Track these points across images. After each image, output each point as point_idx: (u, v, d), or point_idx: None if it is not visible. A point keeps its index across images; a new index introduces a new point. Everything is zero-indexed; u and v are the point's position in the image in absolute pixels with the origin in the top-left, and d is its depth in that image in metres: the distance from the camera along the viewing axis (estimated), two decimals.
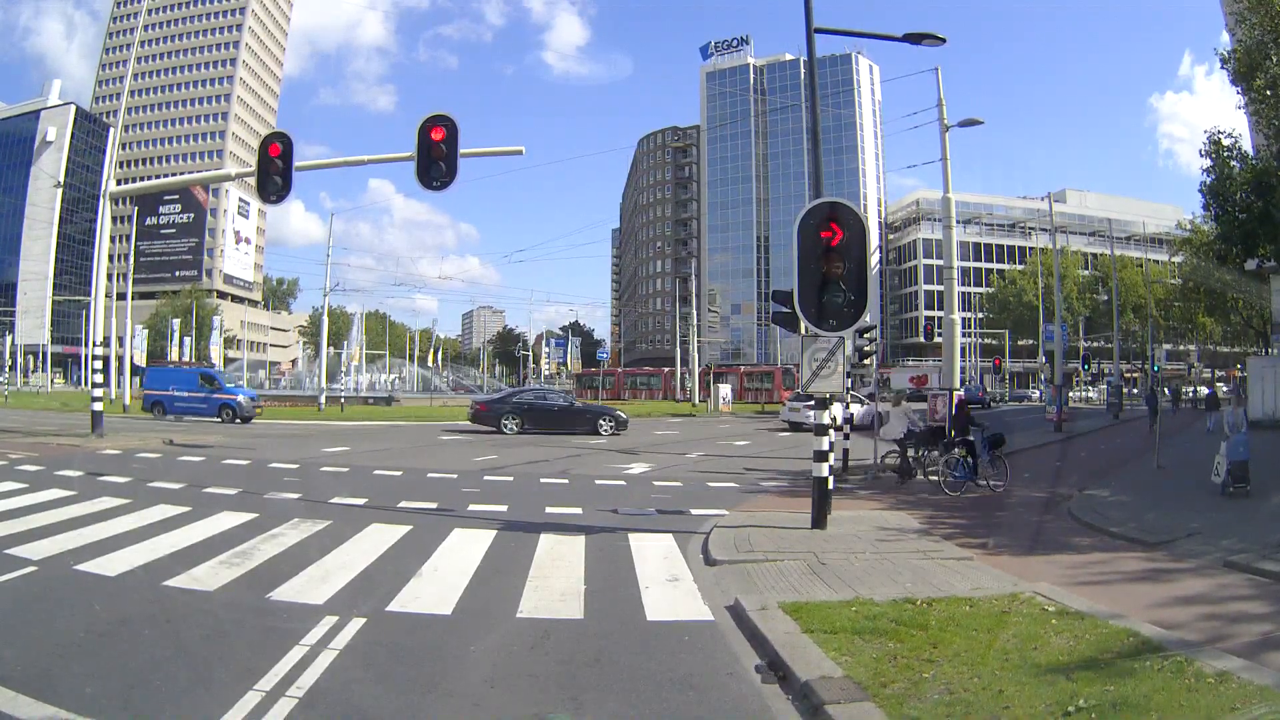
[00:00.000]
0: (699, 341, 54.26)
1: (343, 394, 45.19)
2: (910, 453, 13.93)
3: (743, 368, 69.54)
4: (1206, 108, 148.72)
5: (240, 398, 29.95)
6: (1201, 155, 23.11)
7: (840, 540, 8.51)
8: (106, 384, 31.84)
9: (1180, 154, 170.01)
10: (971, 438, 13.01)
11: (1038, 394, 65.62)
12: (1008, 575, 7.06)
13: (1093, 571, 7.64)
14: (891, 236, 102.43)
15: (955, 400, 14.59)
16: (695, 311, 52.66)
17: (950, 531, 9.54)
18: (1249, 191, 22.31)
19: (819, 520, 9.10)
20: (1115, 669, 4.61)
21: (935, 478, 13.25)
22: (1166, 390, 48.24)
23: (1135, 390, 63.06)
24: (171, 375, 33.24)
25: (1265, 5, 19.44)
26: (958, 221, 26.57)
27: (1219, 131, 23.13)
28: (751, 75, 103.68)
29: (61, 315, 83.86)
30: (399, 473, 14.37)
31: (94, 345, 21.36)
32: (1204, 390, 54.36)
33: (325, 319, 44.19)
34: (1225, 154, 22.93)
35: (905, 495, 12.91)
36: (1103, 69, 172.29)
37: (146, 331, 61.49)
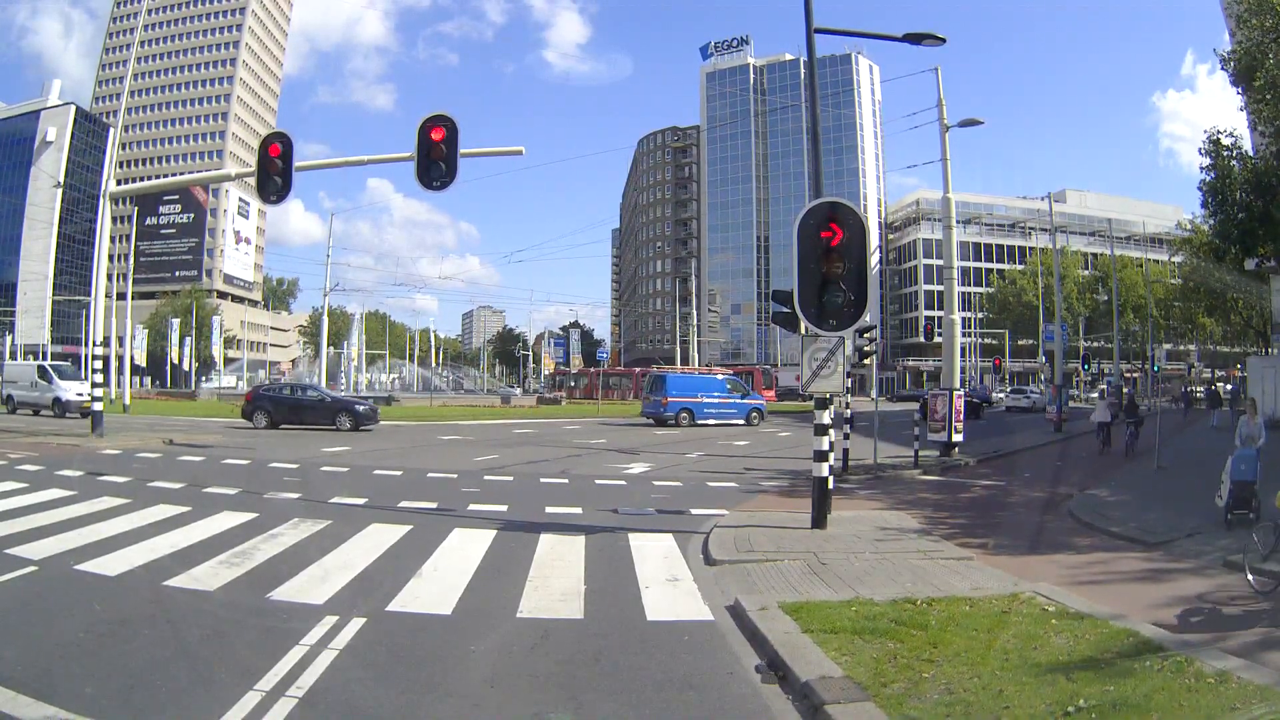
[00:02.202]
0: (699, 341, 54.30)
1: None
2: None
3: (718, 368, 69.86)
4: (1208, 106, 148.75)
5: (763, 402, 31.83)
6: (1201, 154, 23.16)
7: (840, 540, 8.52)
8: (106, 384, 31.83)
9: (1181, 153, 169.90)
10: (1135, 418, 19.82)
11: (1036, 394, 65.54)
12: (1008, 575, 7.06)
13: (1093, 571, 7.65)
14: (891, 236, 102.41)
15: (1130, 395, 21.40)
16: (695, 311, 52.74)
17: (950, 531, 9.55)
18: (1249, 191, 22.35)
19: (819, 520, 9.10)
20: (1115, 669, 4.61)
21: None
22: (1173, 391, 48.27)
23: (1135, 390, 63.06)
24: (697, 382, 32.51)
25: (1265, 8, 19.48)
26: (958, 221, 26.59)
27: (1219, 131, 23.17)
28: (751, 75, 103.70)
29: (61, 315, 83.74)
30: (399, 473, 14.37)
31: (94, 345, 21.34)
32: (1226, 387, 54.20)
33: (325, 319, 44.15)
34: (1225, 153, 22.97)
35: (905, 495, 12.93)
36: (1104, 68, 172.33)
37: (146, 331, 61.50)
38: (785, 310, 10.22)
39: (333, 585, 6.52)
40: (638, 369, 70.49)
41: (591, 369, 69.00)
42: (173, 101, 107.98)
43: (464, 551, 7.90)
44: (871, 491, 13.36)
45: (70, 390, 28.80)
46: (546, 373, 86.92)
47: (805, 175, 73.47)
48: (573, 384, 60.93)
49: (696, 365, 52.78)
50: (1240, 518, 9.40)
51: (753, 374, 60.39)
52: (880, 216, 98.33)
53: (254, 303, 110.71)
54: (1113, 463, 17.78)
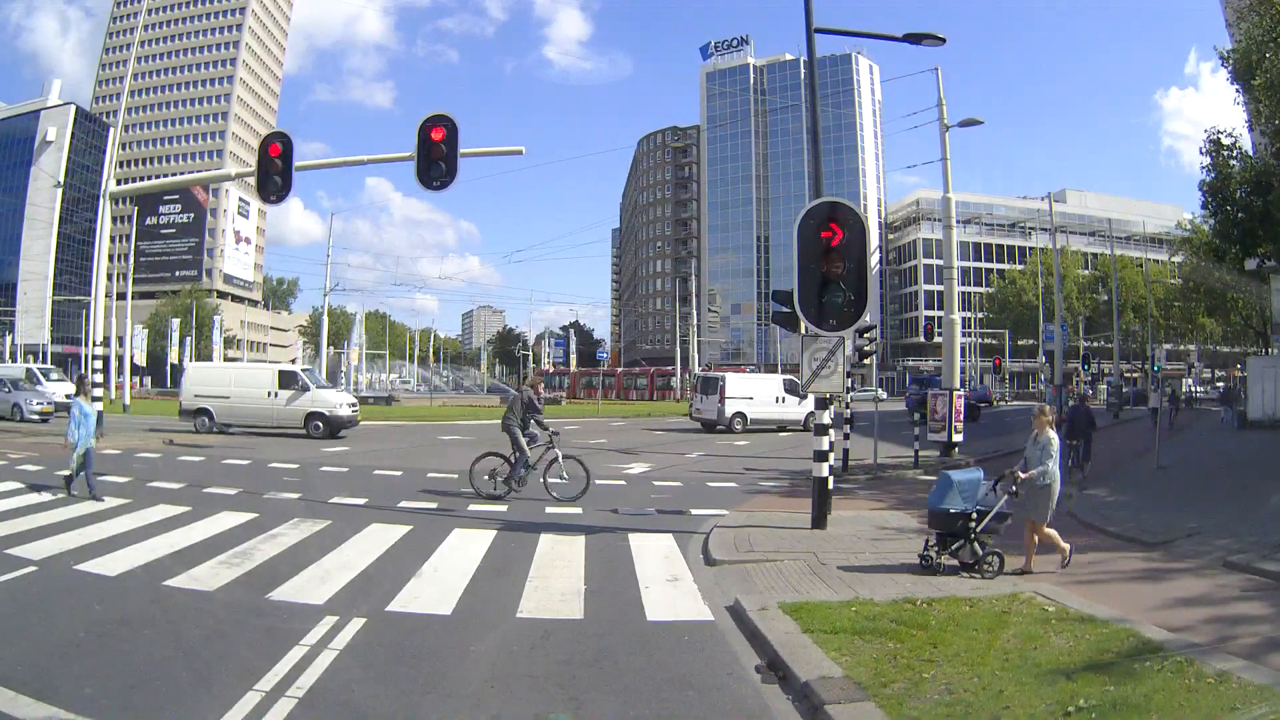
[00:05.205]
0: (699, 341, 54.34)
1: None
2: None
3: (700, 369, 70.36)
4: (1211, 105, 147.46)
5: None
6: (1202, 154, 23.15)
7: (840, 540, 8.52)
8: (106, 384, 31.82)
9: (1183, 153, 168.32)
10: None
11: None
12: (1008, 575, 7.06)
13: (1092, 571, 7.64)
14: (891, 236, 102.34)
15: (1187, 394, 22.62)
16: (695, 311, 52.72)
17: None
18: (1249, 191, 22.35)
19: (819, 520, 9.10)
20: (1115, 669, 4.61)
21: None
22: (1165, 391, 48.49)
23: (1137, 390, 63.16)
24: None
25: (1265, 6, 19.47)
26: (958, 221, 26.57)
27: (1219, 131, 23.15)
28: (751, 75, 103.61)
29: (61, 315, 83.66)
30: (399, 473, 14.37)
31: (94, 345, 21.34)
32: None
33: (325, 319, 44.12)
34: (1225, 153, 22.95)
35: (905, 495, 12.92)
36: (1105, 66, 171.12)
37: (146, 331, 61.49)
38: (785, 310, 10.22)
39: (333, 585, 6.52)
40: (620, 369, 73.26)
41: (572, 370, 70.04)
42: (173, 101, 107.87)
43: (464, 552, 7.90)
44: (872, 492, 13.35)
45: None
46: (548, 372, 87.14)
47: (805, 175, 73.55)
48: (555, 386, 61.51)
49: (696, 365, 52.82)
50: (932, 559, 6.89)
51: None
52: (880, 216, 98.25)
53: (254, 302, 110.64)
54: (1124, 457, 18.28)
